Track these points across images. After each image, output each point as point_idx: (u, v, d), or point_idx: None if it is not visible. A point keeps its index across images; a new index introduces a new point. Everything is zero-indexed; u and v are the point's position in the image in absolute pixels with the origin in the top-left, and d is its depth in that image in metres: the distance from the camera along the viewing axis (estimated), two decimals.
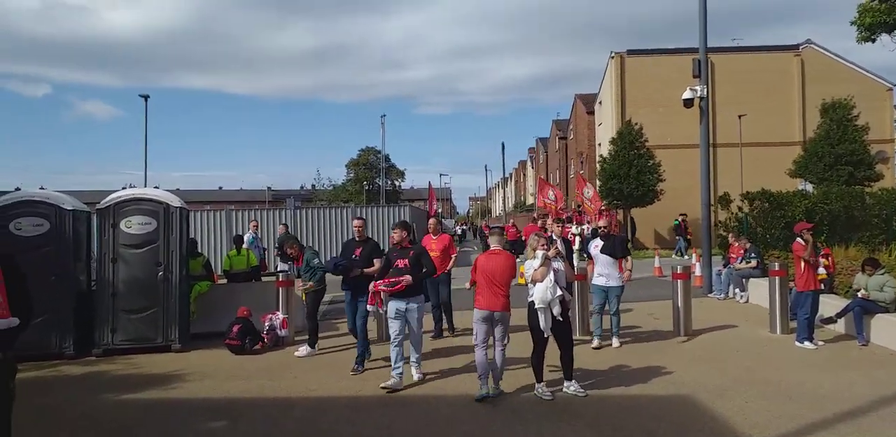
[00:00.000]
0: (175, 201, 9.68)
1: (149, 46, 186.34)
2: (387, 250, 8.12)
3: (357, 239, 8.31)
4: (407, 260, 7.21)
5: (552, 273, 6.42)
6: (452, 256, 10.06)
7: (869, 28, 13.15)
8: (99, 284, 9.33)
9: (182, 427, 6.00)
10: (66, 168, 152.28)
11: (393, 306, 7.15)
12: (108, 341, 9.08)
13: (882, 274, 8.96)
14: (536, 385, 6.59)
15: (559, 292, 6.38)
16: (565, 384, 6.68)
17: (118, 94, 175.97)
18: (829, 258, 10.95)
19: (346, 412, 6.33)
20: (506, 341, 6.74)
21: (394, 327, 7.20)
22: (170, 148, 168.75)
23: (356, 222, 8.44)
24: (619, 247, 8.92)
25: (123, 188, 13.25)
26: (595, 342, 8.85)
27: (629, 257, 9.06)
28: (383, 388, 6.93)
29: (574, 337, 7.08)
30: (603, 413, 6.06)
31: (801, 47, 34.90)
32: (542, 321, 6.37)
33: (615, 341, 8.89)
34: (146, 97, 30.30)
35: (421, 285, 7.43)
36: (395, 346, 7.13)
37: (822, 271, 10.41)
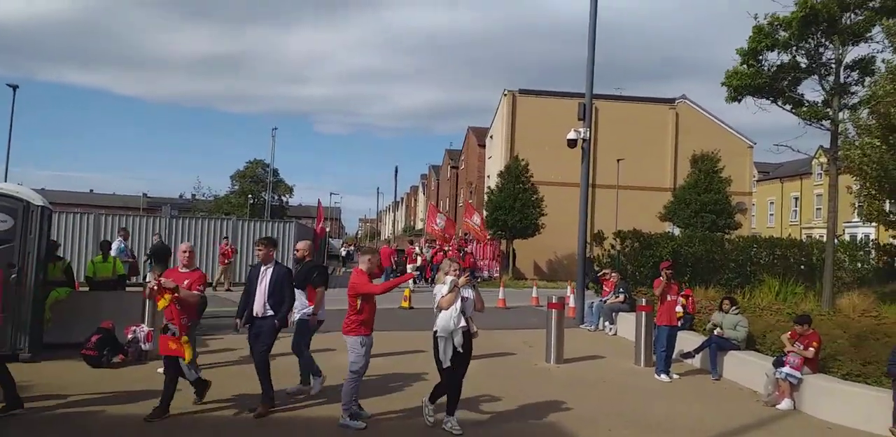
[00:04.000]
0: (36, 200, 8.95)
1: (27, 35, 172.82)
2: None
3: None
4: None
5: (459, 301, 6.10)
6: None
7: (736, 90, 14.38)
8: None
9: None
10: None
11: None
12: None
13: (736, 314, 9.68)
14: (425, 403, 6.44)
15: (462, 323, 6.06)
16: (445, 418, 6.28)
17: None
18: (689, 299, 11.68)
19: (210, 433, 6.01)
20: (350, 370, 6.41)
21: None
22: (40, 145, 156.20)
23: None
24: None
25: None
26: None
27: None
28: None
29: None
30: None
31: (676, 101, 37.71)
32: (442, 351, 6.07)
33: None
34: (15, 87, 28.09)
35: None
36: None
37: (679, 309, 11.09)
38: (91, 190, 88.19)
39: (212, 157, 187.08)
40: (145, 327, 9.18)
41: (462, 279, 6.14)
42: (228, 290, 19.91)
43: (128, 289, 12.04)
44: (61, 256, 11.30)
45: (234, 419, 6.51)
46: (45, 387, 7.30)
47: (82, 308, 9.70)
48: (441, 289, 6.22)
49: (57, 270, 9.98)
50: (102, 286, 11.33)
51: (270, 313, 6.70)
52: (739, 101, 14.97)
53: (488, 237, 30.38)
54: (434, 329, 6.18)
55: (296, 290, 7.20)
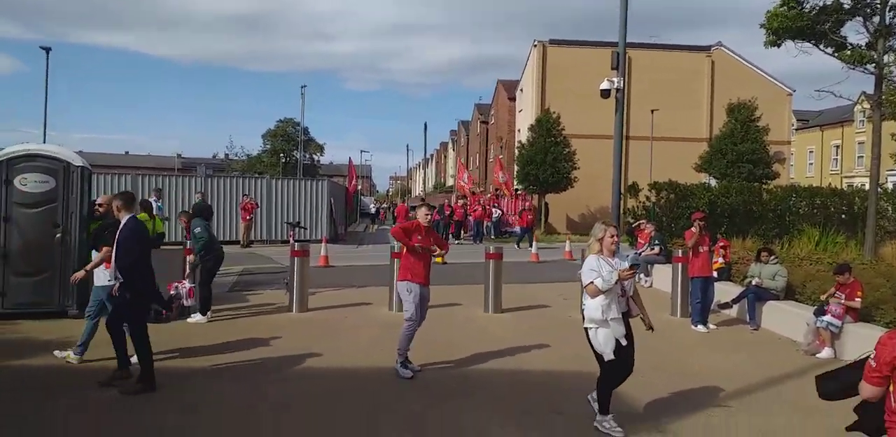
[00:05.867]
0: (76, 160, 9.11)
1: None
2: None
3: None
4: None
5: (616, 295, 4.94)
6: None
7: (776, 33, 13.81)
8: None
9: (72, 394, 5.71)
10: None
11: None
12: None
13: (775, 263, 9.54)
14: (598, 416, 5.14)
15: (615, 313, 4.91)
16: (598, 416, 5.15)
17: (21, 46, 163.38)
18: (727, 249, 11.58)
19: (252, 383, 6.19)
20: (404, 317, 6.60)
21: None
22: (74, 108, 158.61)
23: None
24: None
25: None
26: None
27: None
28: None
29: None
30: (512, 389, 6.21)
31: (712, 49, 36.47)
32: (597, 343, 5.00)
33: None
34: (48, 50, 28.30)
35: None
36: None
37: (720, 260, 11.03)
38: (126, 152, 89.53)
39: (244, 116, 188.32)
40: (187, 284, 9.40)
41: (625, 273, 4.85)
42: (247, 246, 20.24)
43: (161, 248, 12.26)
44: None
45: (277, 370, 6.67)
46: (93, 342, 7.53)
47: None
48: (589, 262, 4.98)
49: None
50: None
51: (121, 279, 6.03)
52: (779, 45, 14.40)
53: (518, 192, 30.26)
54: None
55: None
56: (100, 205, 7.29)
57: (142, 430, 4.97)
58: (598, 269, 4.89)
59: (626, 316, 5.04)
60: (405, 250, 6.61)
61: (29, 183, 8.67)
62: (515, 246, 21.56)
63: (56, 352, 6.88)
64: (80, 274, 6.75)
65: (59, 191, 8.78)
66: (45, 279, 8.64)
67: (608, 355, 4.92)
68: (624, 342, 4.93)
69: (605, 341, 4.91)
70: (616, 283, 4.80)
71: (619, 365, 4.99)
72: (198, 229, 9.11)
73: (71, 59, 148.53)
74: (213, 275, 9.31)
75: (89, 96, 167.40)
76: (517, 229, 29.73)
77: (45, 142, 29.05)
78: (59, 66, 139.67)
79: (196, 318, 8.98)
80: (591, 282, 4.83)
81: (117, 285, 6.06)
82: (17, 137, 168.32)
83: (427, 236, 6.68)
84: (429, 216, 6.79)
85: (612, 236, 5.03)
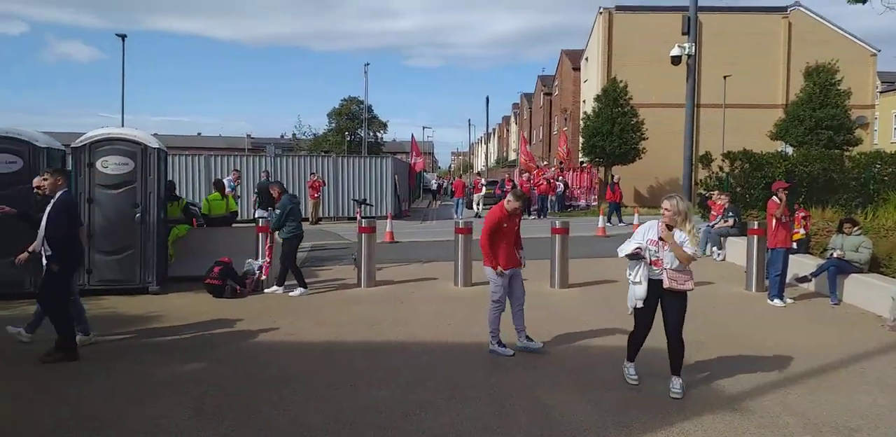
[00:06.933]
0: (153, 142, 9.44)
1: None
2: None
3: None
4: None
5: (643, 262, 5.28)
6: None
7: None
8: None
9: (155, 368, 5.97)
10: (40, 109, 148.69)
11: None
12: (83, 282, 8.88)
13: (859, 234, 9.08)
14: (625, 362, 5.68)
15: (634, 278, 5.32)
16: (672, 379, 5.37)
17: (97, 35, 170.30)
18: (807, 220, 11.10)
19: (323, 357, 6.35)
20: (491, 299, 6.47)
21: None
22: (149, 92, 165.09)
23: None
24: None
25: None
26: None
27: None
28: None
29: None
30: (583, 363, 6.16)
31: (789, 9, 34.59)
32: (628, 296, 5.50)
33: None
34: (123, 37, 29.38)
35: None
36: None
37: (801, 231, 10.59)
38: (199, 133, 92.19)
39: (310, 96, 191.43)
40: (261, 260, 9.70)
41: (634, 249, 5.27)
42: (315, 223, 20.76)
43: (233, 225, 12.67)
44: (179, 195, 11.96)
45: (350, 344, 6.82)
46: (172, 316, 7.88)
47: (201, 244, 10.31)
48: (640, 227, 5.51)
49: (176, 208, 10.62)
50: (217, 222, 11.96)
51: (49, 252, 6.01)
52: (864, 1, 13.50)
53: (584, 165, 29.73)
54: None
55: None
56: (38, 187, 7.14)
57: (241, 399, 5.15)
58: (638, 234, 5.44)
59: (655, 284, 5.28)
60: (489, 236, 6.38)
61: (110, 165, 9.04)
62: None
63: (9, 328, 6.66)
64: (24, 256, 6.30)
65: (137, 172, 9.13)
66: (128, 257, 9.05)
67: (629, 307, 5.51)
68: (639, 305, 5.38)
69: (629, 296, 5.48)
70: (628, 253, 5.29)
71: (639, 324, 5.50)
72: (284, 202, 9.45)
73: (144, 47, 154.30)
74: (295, 251, 9.59)
75: (162, 81, 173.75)
76: (582, 203, 29.30)
77: (123, 125, 30.25)
78: (133, 53, 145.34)
79: (297, 291, 9.28)
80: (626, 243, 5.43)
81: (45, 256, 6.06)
82: (97, 122, 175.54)
83: (511, 221, 6.51)
84: (517, 210, 6.52)
85: (664, 209, 5.31)
